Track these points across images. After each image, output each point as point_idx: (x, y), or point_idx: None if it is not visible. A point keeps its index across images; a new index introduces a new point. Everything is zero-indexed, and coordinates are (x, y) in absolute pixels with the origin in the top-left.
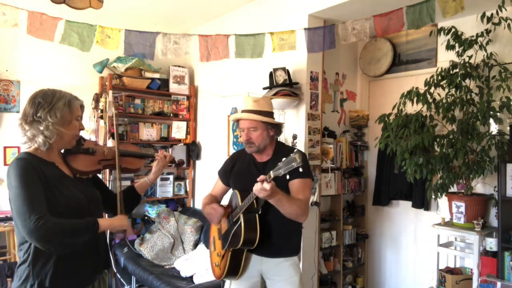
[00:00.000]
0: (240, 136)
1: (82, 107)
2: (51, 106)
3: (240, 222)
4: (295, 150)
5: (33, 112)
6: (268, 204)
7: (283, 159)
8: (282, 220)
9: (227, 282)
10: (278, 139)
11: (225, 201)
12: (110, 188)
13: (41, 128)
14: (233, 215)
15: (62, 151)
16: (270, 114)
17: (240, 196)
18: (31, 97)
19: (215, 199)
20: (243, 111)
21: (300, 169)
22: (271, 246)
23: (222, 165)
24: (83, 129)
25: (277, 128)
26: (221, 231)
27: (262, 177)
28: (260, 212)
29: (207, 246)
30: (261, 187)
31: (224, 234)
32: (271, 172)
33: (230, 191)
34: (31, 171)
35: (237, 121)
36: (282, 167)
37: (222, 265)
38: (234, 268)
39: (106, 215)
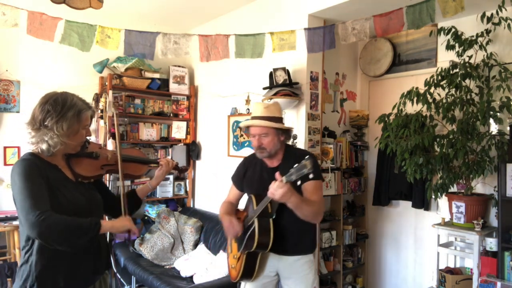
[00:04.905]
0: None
1: (92, 114)
2: (60, 116)
3: (254, 227)
4: (306, 157)
5: (41, 119)
6: (282, 209)
7: (295, 165)
8: (296, 223)
9: (242, 284)
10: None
11: (241, 205)
12: (111, 190)
13: (46, 138)
14: (248, 219)
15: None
16: (280, 119)
17: (255, 200)
18: (42, 101)
19: (231, 205)
20: (253, 118)
21: (311, 175)
22: (286, 247)
23: (234, 171)
24: (90, 135)
25: (287, 133)
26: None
27: (278, 175)
28: (274, 217)
29: (225, 249)
30: (275, 190)
31: (240, 237)
32: (283, 177)
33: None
34: (34, 170)
35: (247, 127)
36: (294, 173)
37: (238, 267)
38: (249, 271)
39: (106, 218)
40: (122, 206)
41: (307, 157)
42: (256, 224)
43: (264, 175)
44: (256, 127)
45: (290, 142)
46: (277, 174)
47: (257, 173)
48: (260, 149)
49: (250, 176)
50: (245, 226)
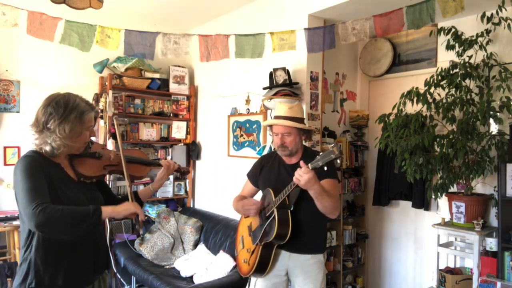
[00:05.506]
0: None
1: (96, 115)
2: (62, 118)
3: (274, 216)
4: (332, 145)
5: (44, 121)
6: (299, 204)
7: (320, 153)
8: (311, 218)
9: (253, 279)
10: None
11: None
12: (112, 190)
13: (49, 140)
14: (266, 211)
15: None
16: (302, 120)
17: (274, 192)
18: (45, 103)
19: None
20: (276, 117)
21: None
22: (300, 243)
23: (251, 168)
24: (94, 136)
25: (308, 133)
26: (251, 228)
27: (302, 163)
28: (292, 209)
29: (234, 253)
30: (300, 175)
31: (256, 230)
32: (309, 164)
33: (259, 192)
34: (37, 166)
35: (270, 125)
36: (320, 160)
37: (252, 261)
38: (263, 264)
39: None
40: (129, 194)
41: (332, 145)
42: (276, 214)
43: (282, 171)
44: (279, 126)
45: None
46: (302, 162)
47: (275, 169)
48: (283, 147)
49: (267, 172)
50: (263, 218)
